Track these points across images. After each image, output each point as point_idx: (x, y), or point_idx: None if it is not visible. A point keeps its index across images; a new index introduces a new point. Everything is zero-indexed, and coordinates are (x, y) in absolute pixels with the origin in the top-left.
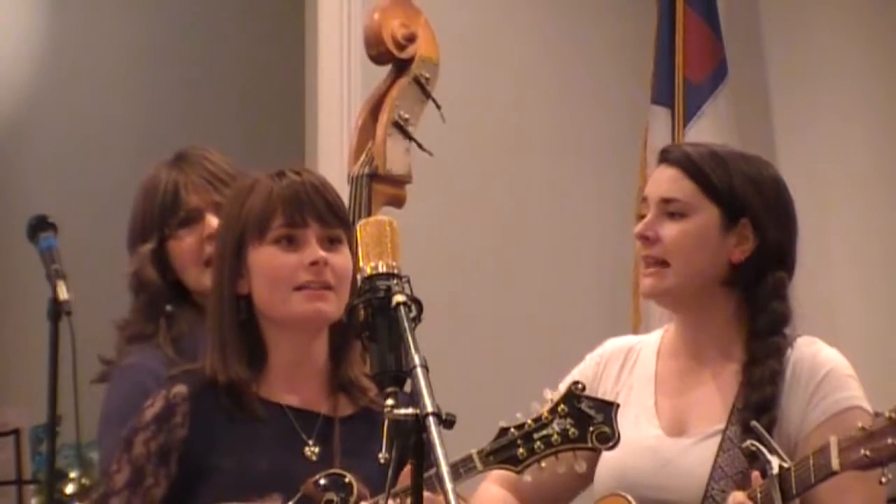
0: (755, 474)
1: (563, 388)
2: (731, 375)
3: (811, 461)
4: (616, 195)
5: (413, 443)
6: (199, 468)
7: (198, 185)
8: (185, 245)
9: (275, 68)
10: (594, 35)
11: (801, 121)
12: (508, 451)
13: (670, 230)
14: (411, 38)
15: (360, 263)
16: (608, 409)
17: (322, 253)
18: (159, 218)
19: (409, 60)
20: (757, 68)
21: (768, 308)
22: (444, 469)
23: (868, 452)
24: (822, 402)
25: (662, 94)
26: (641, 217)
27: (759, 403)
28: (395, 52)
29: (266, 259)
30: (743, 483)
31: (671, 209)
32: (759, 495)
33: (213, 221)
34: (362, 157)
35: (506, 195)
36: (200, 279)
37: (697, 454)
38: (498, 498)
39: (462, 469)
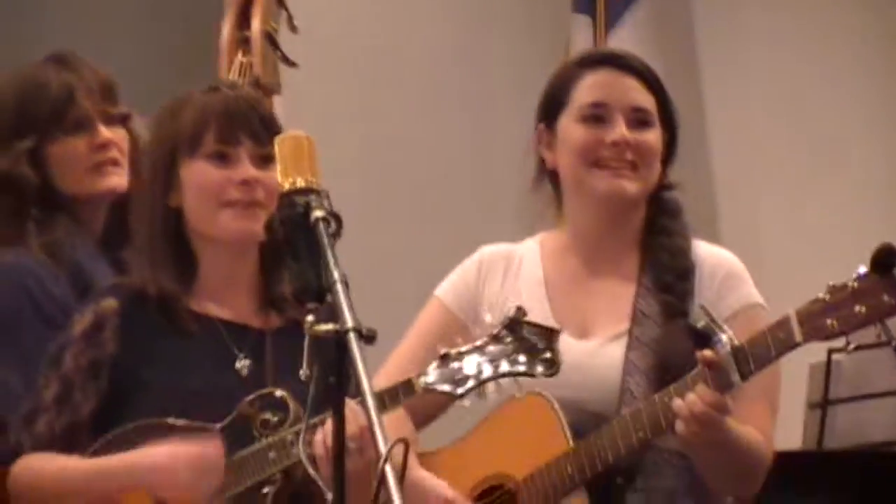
0: (702, 353)
1: (450, 300)
2: (627, 279)
3: (769, 336)
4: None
5: (334, 358)
6: (130, 383)
7: (92, 92)
8: (70, 150)
9: None
10: None
11: (723, 28)
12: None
13: (644, 138)
14: None
15: (279, 179)
16: (550, 335)
17: (253, 172)
18: (46, 118)
19: None
20: None
21: (669, 202)
22: (365, 384)
23: (835, 322)
24: (728, 294)
25: (583, 3)
26: (596, 119)
27: (673, 268)
28: None
29: (197, 174)
30: (657, 378)
31: (641, 117)
32: (709, 378)
33: (104, 131)
34: (235, 68)
35: (425, 116)
36: (86, 185)
37: (606, 354)
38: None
39: (402, 393)
